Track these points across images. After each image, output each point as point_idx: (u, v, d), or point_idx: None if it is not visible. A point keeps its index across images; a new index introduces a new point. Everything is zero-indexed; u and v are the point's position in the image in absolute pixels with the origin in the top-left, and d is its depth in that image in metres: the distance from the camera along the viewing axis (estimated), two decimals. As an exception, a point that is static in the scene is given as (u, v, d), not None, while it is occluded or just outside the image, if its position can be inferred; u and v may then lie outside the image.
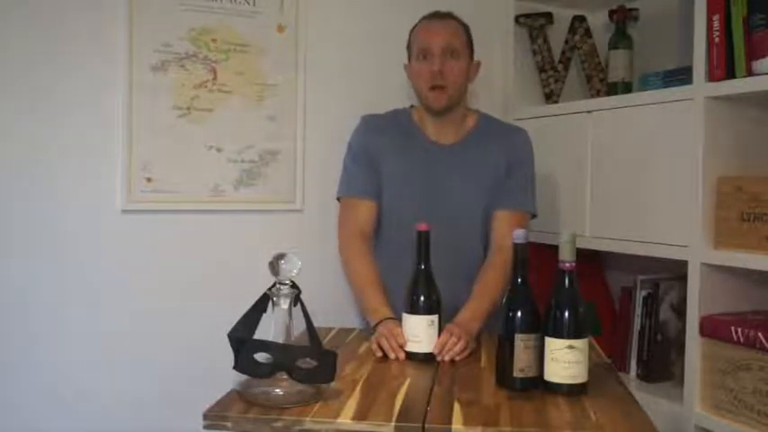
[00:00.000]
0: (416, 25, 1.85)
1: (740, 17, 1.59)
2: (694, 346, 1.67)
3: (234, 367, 1.22)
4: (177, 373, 1.83)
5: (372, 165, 1.85)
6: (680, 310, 1.93)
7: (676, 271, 1.89)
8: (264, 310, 1.26)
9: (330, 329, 1.79)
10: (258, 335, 1.25)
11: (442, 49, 1.78)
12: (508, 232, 1.47)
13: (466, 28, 1.85)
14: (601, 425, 1.15)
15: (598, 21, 2.30)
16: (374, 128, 1.89)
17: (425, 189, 1.83)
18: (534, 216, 1.90)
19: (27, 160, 1.70)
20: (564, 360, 1.28)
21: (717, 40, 1.62)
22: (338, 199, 1.91)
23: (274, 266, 1.26)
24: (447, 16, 1.83)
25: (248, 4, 1.92)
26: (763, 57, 1.55)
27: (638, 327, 1.95)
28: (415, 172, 1.84)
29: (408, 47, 1.87)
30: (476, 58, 1.89)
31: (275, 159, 1.97)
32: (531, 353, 1.31)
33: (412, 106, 1.95)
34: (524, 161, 1.88)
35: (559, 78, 2.25)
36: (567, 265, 1.32)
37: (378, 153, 1.85)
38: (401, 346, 1.53)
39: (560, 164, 2.06)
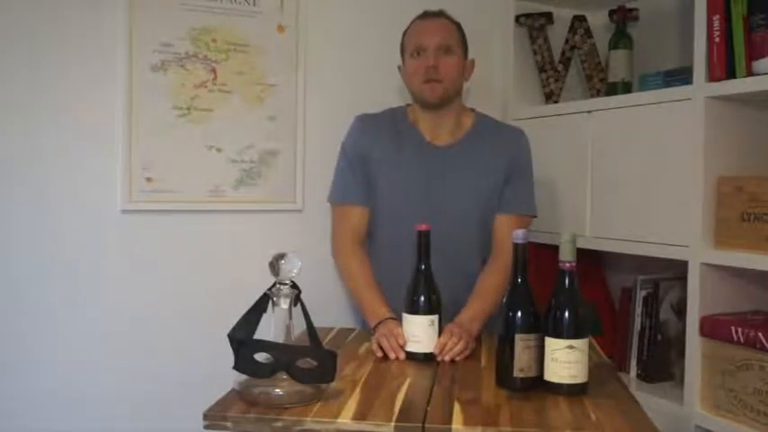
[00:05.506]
0: (409, 26, 1.85)
1: (740, 17, 1.59)
2: (694, 346, 1.67)
3: (234, 367, 1.23)
4: (177, 373, 1.83)
5: (365, 168, 1.84)
6: (680, 310, 1.93)
7: (676, 271, 1.89)
8: (264, 310, 1.26)
9: (330, 329, 1.79)
10: (258, 335, 1.25)
11: (436, 45, 1.77)
12: (510, 236, 1.47)
13: (458, 26, 1.85)
14: (601, 425, 1.15)
15: (598, 21, 2.30)
16: (368, 128, 1.87)
17: (421, 190, 1.82)
18: (534, 216, 1.91)
19: (27, 160, 1.70)
20: (564, 360, 1.28)
21: (717, 40, 1.62)
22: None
23: (274, 266, 1.26)
24: (439, 15, 1.83)
25: (248, 4, 1.92)
26: (763, 57, 1.55)
27: (638, 327, 1.95)
28: (411, 173, 1.83)
29: (402, 48, 1.87)
30: (475, 58, 1.89)
31: (275, 159, 1.97)
32: (531, 353, 1.32)
33: (408, 105, 1.94)
34: (523, 163, 1.88)
35: (559, 78, 2.25)
36: (567, 265, 1.32)
37: (372, 155, 1.84)
38: (401, 346, 1.53)
39: (560, 164, 2.06)
